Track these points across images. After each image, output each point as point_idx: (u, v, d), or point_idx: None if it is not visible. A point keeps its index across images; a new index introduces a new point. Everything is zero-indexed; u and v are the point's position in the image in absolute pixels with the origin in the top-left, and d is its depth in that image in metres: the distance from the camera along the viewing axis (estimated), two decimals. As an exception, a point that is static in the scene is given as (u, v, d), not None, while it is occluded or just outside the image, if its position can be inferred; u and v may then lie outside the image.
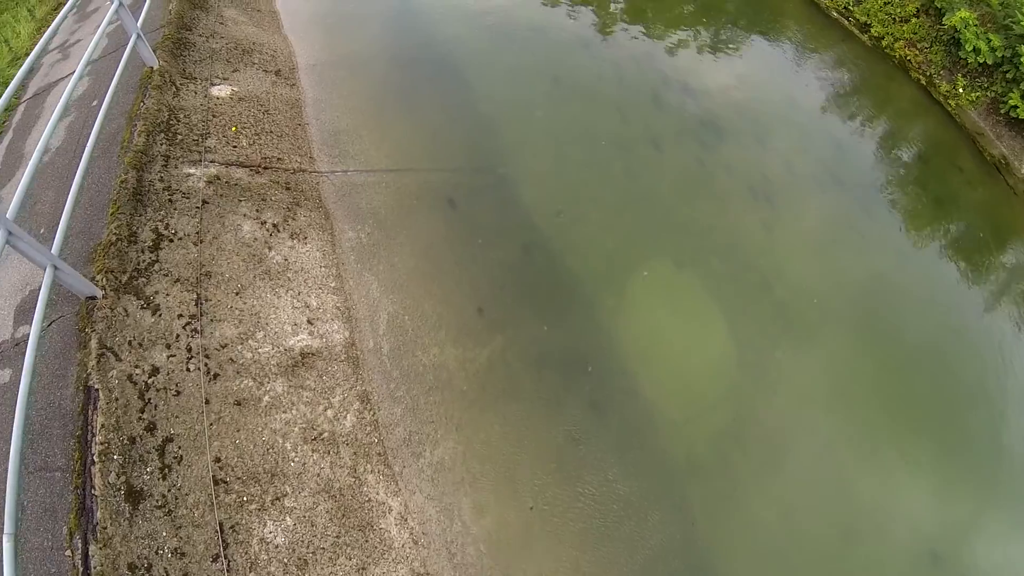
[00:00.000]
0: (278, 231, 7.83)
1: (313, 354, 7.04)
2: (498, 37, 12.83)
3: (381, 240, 8.27)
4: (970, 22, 13.09)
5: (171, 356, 6.32)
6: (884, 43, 14.30)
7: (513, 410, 7.38)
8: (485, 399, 7.36)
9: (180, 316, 6.62)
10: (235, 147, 8.67)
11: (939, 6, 13.88)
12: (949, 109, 13.40)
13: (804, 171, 11.61)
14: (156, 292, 6.66)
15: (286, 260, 7.58)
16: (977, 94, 13.36)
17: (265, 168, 8.52)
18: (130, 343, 6.18)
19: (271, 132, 9.22)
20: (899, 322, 9.68)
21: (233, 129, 8.43)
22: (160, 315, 6.53)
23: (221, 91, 9.67)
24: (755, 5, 15.59)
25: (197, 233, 7.36)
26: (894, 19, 14.33)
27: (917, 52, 13.99)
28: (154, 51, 9.30)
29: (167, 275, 6.86)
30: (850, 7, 14.81)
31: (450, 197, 9.23)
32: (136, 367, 6.04)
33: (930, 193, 12.10)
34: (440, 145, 10.02)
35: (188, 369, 6.34)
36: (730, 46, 13.94)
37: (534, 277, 8.72)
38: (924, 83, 13.73)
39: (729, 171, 11.08)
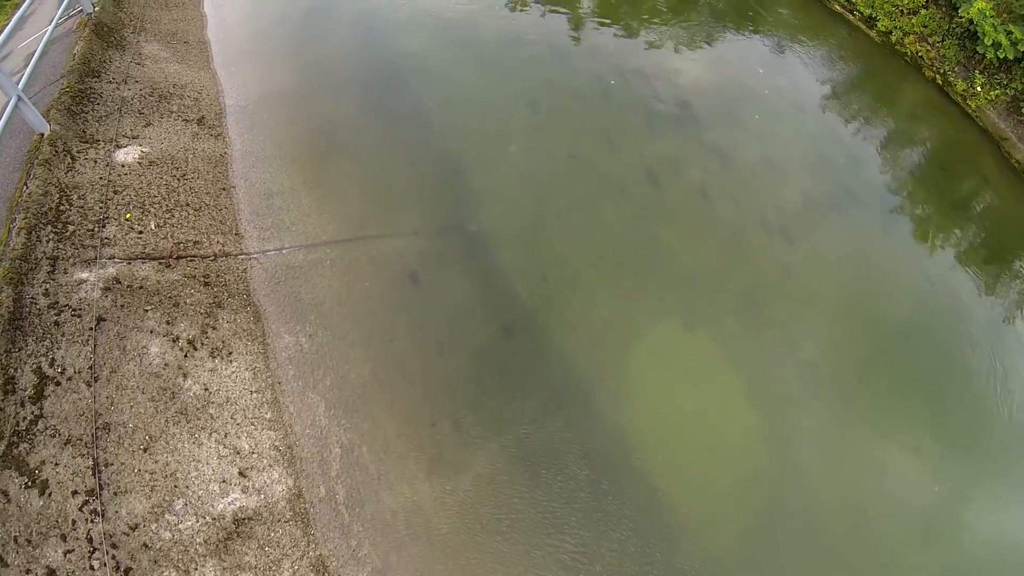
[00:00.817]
0: (195, 349, 6.17)
1: (250, 518, 5.48)
2: (464, 55, 11.05)
3: (327, 343, 6.65)
4: (987, 13, 11.60)
5: (69, 552, 4.77)
6: (893, 38, 12.78)
7: (511, 552, 5.91)
8: (474, 544, 5.87)
9: (75, 493, 5.05)
10: (140, 233, 6.93)
11: (951, -4, 12.36)
12: (968, 110, 11.99)
13: (820, 194, 10.14)
14: (42, 463, 5.06)
15: (207, 390, 5.95)
16: (996, 92, 11.95)
17: (178, 258, 6.81)
18: (16, 540, 4.62)
19: (187, 205, 7.47)
20: (945, 371, 8.34)
21: (127, 216, 6.68)
22: (50, 495, 4.95)
23: (128, 155, 7.87)
24: (747, 3, 13.91)
25: (91, 368, 5.70)
26: (901, 11, 12.80)
27: (929, 47, 12.50)
28: (47, 112, 7.50)
29: (55, 435, 5.24)
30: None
31: (412, 271, 7.61)
32: (27, 573, 4.51)
33: (956, 209, 10.72)
34: (397, 200, 8.35)
35: (92, 567, 4.80)
36: (725, 50, 12.31)
37: (518, 368, 7.19)
38: (940, 82, 12.26)
39: (738, 203, 9.56)
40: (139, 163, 7.90)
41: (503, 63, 10.98)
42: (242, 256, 7.17)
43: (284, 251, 7.35)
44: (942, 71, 12.39)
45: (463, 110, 9.90)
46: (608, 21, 12.63)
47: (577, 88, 10.75)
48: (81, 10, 9.73)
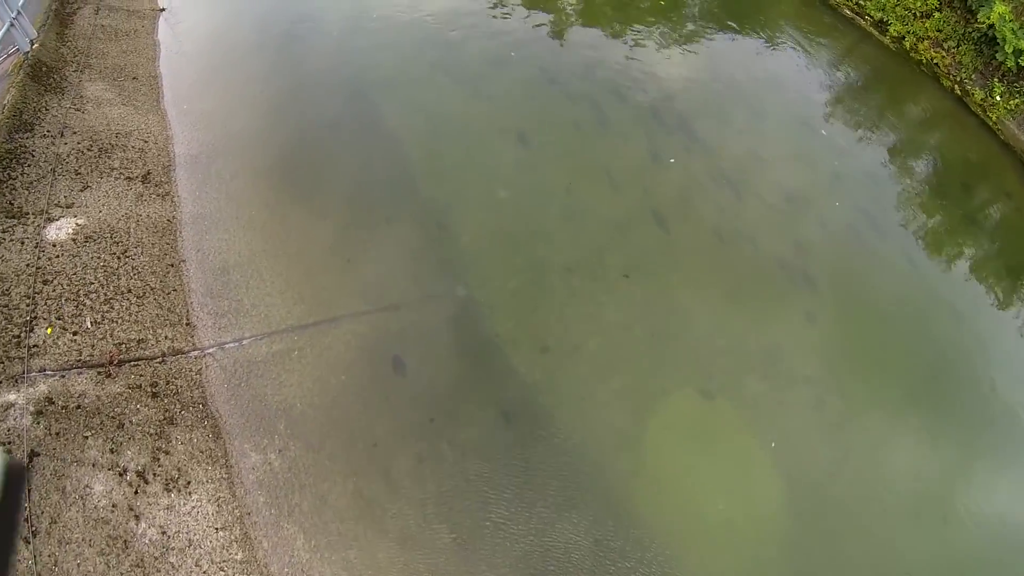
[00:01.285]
0: (146, 483, 5.17)
1: None
2: (442, 81, 9.94)
3: (301, 458, 5.69)
4: (1007, 18, 10.69)
5: None
6: (907, 44, 11.85)
7: None
8: None
9: None
10: (75, 334, 5.87)
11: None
12: (989, 122, 11.14)
13: (838, 223, 9.28)
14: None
15: (164, 534, 4.97)
16: (1016, 101, 11.11)
17: (120, 363, 5.77)
18: None
19: (128, 292, 6.39)
20: (984, 421, 7.58)
21: (48, 331, 5.60)
22: None
23: (61, 231, 6.76)
24: (752, 9, 12.83)
25: (27, 520, 4.69)
26: (914, 14, 11.84)
27: (944, 53, 11.59)
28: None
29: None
30: (861, 2, 12.23)
31: (395, 354, 6.63)
32: None
33: (981, 231, 9.90)
34: (372, 266, 7.34)
35: None
36: (728, 61, 11.30)
37: (522, 460, 6.28)
38: (957, 91, 11.38)
39: (754, 243, 8.67)
40: (73, 240, 6.79)
41: (486, 89, 9.90)
42: (195, 353, 6.14)
43: (244, 343, 6.32)
44: (959, 79, 11.50)
45: (444, 149, 8.84)
46: (600, 33, 11.55)
47: (570, 115, 9.70)
48: (17, 49, 8.49)
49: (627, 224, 8.38)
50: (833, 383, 7.63)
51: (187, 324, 6.36)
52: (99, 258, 6.67)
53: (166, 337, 6.18)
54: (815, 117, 10.77)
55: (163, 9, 10.88)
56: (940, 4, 11.75)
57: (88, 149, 8.01)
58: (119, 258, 6.72)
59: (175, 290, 6.62)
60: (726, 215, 8.84)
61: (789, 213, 9.22)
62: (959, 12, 11.69)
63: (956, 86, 11.42)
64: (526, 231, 8.02)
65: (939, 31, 11.70)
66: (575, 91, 9.91)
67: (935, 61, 11.62)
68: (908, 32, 11.83)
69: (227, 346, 6.26)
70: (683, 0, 12.71)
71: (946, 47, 11.64)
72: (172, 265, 6.88)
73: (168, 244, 7.10)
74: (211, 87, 9.55)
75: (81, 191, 7.40)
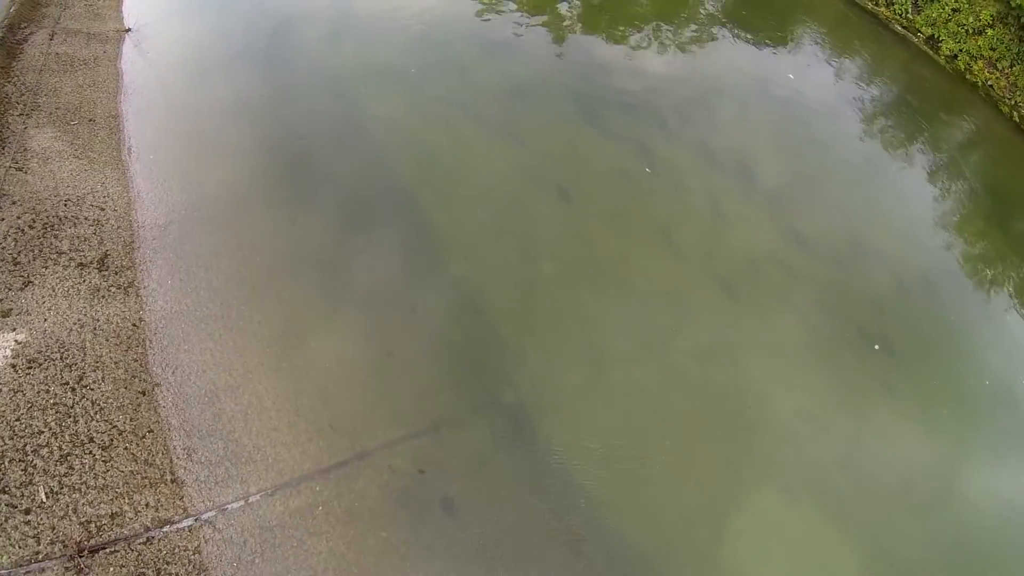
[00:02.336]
0: None
1: None
2: (458, 119, 8.39)
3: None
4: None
5: None
6: (960, 63, 10.67)
7: None
8: None
9: None
10: (27, 512, 4.35)
11: (1020, 15, 10.28)
12: (1051, 154, 10.13)
13: (913, 275, 8.26)
14: None
15: None
16: (1077, 128, 10.09)
17: (92, 551, 4.29)
18: None
19: (90, 441, 4.86)
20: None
21: None
22: None
23: (-9, 352, 5.14)
24: (798, 26, 11.39)
25: None
26: (966, 31, 10.66)
27: (999, 74, 10.48)
28: None
29: None
30: (909, 15, 10.99)
31: (443, 493, 5.29)
32: None
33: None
34: (403, 377, 5.92)
35: None
36: (779, 84, 9.93)
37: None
38: (1015, 117, 10.31)
39: (830, 308, 7.58)
40: (13, 367, 5.18)
41: (512, 128, 8.38)
42: (188, 523, 4.68)
43: (251, 501, 4.88)
44: (1013, 102, 10.43)
45: (472, 211, 7.38)
46: (635, 59, 10.03)
47: (614, 160, 8.26)
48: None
49: (693, 298, 7.12)
50: (926, 468, 6.61)
51: (172, 481, 4.88)
52: (48, 392, 5.09)
53: (147, 504, 4.70)
54: (875, 153, 9.60)
55: (128, 30, 8.98)
56: (993, 20, 10.59)
57: (30, 226, 6.30)
58: (74, 390, 5.15)
59: (151, 431, 5.10)
60: (797, 277, 7.65)
61: (860, 266, 8.11)
62: (1013, 29, 10.55)
63: (1014, 112, 10.34)
64: (579, 315, 6.69)
65: (992, 49, 10.56)
66: (616, 129, 8.49)
67: (989, 83, 10.49)
68: (961, 50, 10.64)
69: (229, 508, 4.81)
70: (722, 17, 11.26)
71: (1000, 67, 10.52)
72: (143, 393, 5.33)
73: (136, 361, 5.53)
74: (184, 129, 7.82)
75: (21, 290, 5.74)
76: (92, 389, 5.21)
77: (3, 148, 7.08)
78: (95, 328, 5.64)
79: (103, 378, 5.32)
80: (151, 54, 8.70)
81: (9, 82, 7.77)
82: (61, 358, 5.36)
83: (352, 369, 5.79)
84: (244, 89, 8.39)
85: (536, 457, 5.78)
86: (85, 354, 5.44)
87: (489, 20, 10.37)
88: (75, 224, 6.50)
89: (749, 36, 10.90)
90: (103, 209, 6.78)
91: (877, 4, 11.37)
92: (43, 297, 5.75)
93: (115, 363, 5.47)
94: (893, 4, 11.26)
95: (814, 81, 10.30)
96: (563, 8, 10.81)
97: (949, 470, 6.69)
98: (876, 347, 7.47)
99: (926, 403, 7.18)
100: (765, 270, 7.86)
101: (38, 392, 5.08)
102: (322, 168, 7.48)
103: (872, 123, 10.03)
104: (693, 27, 10.93)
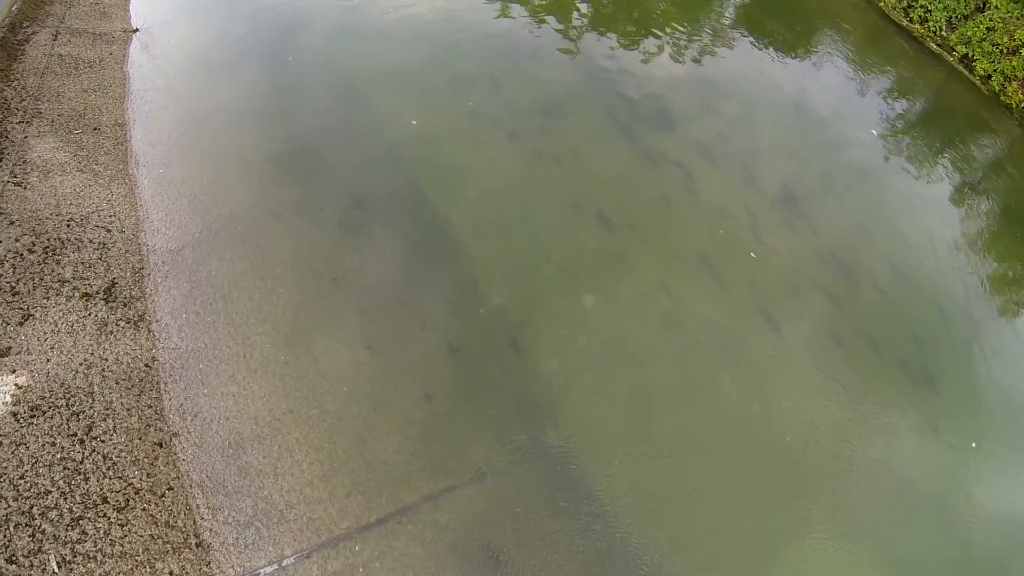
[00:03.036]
0: None
1: None
2: (491, 135, 7.90)
3: None
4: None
5: None
6: (994, 84, 10.37)
7: None
8: None
9: None
10: (20, 596, 3.88)
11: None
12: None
13: (956, 309, 7.95)
14: None
15: None
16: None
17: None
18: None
19: (104, 502, 4.38)
20: None
21: None
22: None
23: (-12, 399, 4.63)
24: (828, 41, 10.97)
25: None
26: (1000, 50, 10.35)
27: (1036, 97, 10.20)
28: None
29: None
30: (943, 32, 10.64)
31: (489, 544, 4.91)
32: None
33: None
34: (443, 423, 5.49)
35: None
36: (816, 103, 9.53)
37: None
38: (1055, 145, 10.05)
39: (870, 340, 7.34)
40: (14, 415, 4.67)
41: (549, 147, 7.91)
42: (209, 599, 4.25)
43: (286, 565, 4.44)
44: (1052, 126, 10.17)
45: (508, 237, 6.93)
46: (675, 73, 9.59)
47: (656, 185, 7.84)
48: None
49: (737, 332, 6.76)
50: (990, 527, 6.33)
51: (198, 545, 4.42)
52: (54, 445, 4.60)
53: (171, 573, 4.23)
54: (911, 179, 9.27)
55: (136, 30, 8.36)
56: (1033, 38, 10.29)
57: (29, 250, 5.75)
58: (83, 442, 4.66)
59: (170, 489, 4.63)
60: (842, 309, 7.33)
61: (905, 300, 7.80)
62: (1054, 48, 10.27)
63: (1055, 138, 10.09)
64: (622, 350, 6.30)
65: (1032, 69, 10.27)
66: (657, 149, 8.06)
67: (1023, 105, 10.22)
68: (995, 71, 10.34)
69: (261, 574, 4.37)
70: (766, 28, 10.82)
71: (1038, 88, 10.24)
72: (160, 444, 4.85)
73: (150, 407, 5.04)
74: (196, 140, 7.27)
75: (20, 325, 5.21)
76: (103, 441, 4.73)
77: (1, 160, 6.50)
78: (103, 370, 5.14)
79: (114, 428, 4.83)
80: (159, 56, 8.10)
81: (9, 86, 7.17)
82: (67, 405, 4.86)
83: (389, 415, 5.34)
84: (261, 97, 7.84)
85: (584, 505, 5.42)
86: (93, 400, 4.94)
87: (515, 26, 9.87)
88: (79, 248, 5.95)
89: (783, 54, 10.49)
90: (109, 230, 6.24)
91: (911, 21, 11.00)
92: (45, 333, 5.23)
93: (127, 410, 4.98)
94: (927, 21, 10.91)
95: (850, 103, 9.94)
96: (597, 22, 10.33)
97: (993, 506, 6.45)
98: (919, 382, 7.21)
99: (970, 438, 6.94)
100: (808, 302, 7.54)
101: (43, 445, 4.59)
102: (346, 189, 6.97)
103: (907, 148, 9.71)
104: (721, 43, 10.50)
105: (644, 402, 6.16)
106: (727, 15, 10.94)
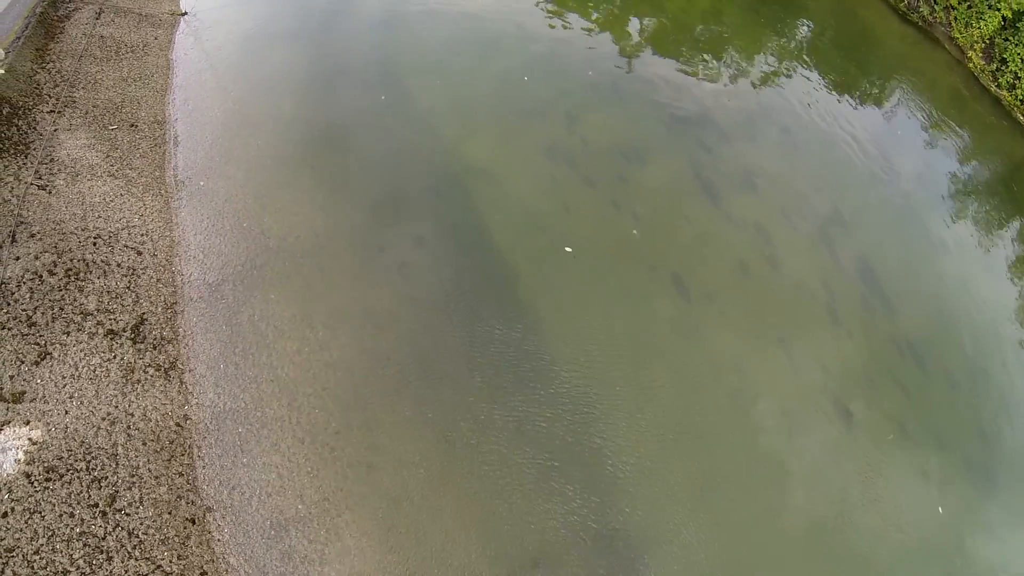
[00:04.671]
0: None
1: None
2: (566, 178, 7.41)
3: None
4: None
5: None
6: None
7: None
8: None
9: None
10: None
11: None
12: None
13: None
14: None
15: None
16: None
17: None
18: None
19: (124, 602, 3.90)
20: None
21: None
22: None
23: (5, 455, 4.12)
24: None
25: None
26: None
27: None
28: None
29: None
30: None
31: None
32: None
33: None
34: (502, 506, 5.03)
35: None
36: (903, 175, 9.03)
37: None
38: None
39: (936, 434, 7.08)
40: (27, 476, 4.17)
41: (627, 199, 7.41)
42: None
43: None
44: None
45: (583, 304, 6.44)
46: (760, 127, 9.09)
47: (736, 250, 7.38)
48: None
49: (805, 419, 6.37)
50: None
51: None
52: (72, 516, 4.08)
53: None
54: (996, 269, 8.89)
55: (184, 13, 7.80)
56: None
57: (50, 271, 5.21)
58: (105, 514, 4.15)
59: (204, 573, 4.14)
60: (911, 399, 6.99)
61: (975, 394, 7.46)
62: None
63: None
64: (691, 431, 5.89)
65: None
66: (738, 209, 7.59)
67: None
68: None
69: None
70: (855, 84, 10.38)
71: None
72: (192, 521, 4.35)
73: (181, 476, 4.54)
74: (245, 150, 6.73)
75: (36, 364, 4.68)
76: (128, 515, 4.22)
77: (26, 155, 5.92)
78: (129, 427, 4.62)
79: (141, 499, 4.32)
80: (208, 44, 7.55)
81: (43, 68, 6.58)
82: (87, 468, 4.35)
83: (450, 499, 4.87)
84: (321, 109, 7.30)
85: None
86: (117, 464, 4.43)
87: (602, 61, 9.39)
88: (105, 273, 5.41)
89: (872, 119, 10.01)
90: (140, 253, 5.70)
91: (999, 86, 10.63)
92: (64, 377, 4.70)
93: (155, 478, 4.47)
94: (1016, 88, 10.54)
95: (933, 174, 9.53)
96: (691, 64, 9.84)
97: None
98: (978, 482, 6.89)
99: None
100: (878, 387, 7.18)
101: (60, 516, 4.08)
102: (410, 227, 6.42)
103: (991, 227, 9.33)
104: (808, 100, 10.01)
105: (710, 489, 5.76)
106: (812, 68, 10.51)
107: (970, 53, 10.65)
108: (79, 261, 5.38)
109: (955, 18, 10.92)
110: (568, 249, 6.30)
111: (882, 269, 8.02)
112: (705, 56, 9.97)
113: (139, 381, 4.89)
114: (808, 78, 10.15)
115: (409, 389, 5.33)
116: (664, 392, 6.20)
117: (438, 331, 5.74)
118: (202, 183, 6.36)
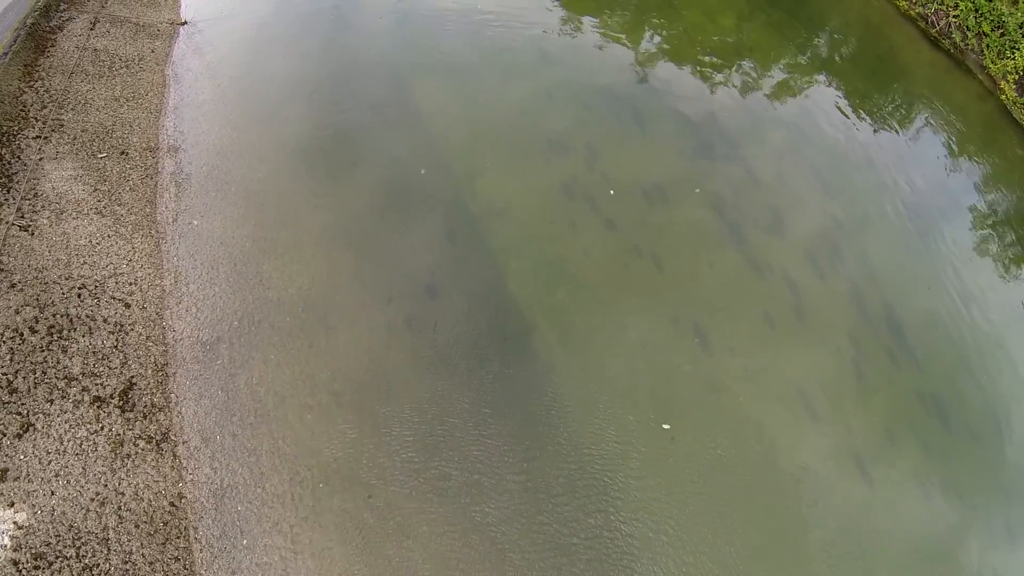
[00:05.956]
0: None
1: None
2: (583, 219, 7.24)
3: None
4: None
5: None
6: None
7: None
8: None
9: None
10: None
11: None
12: None
13: None
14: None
15: None
16: None
17: None
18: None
19: None
20: None
21: None
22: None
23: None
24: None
25: None
26: None
27: None
28: None
29: None
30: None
31: None
32: None
33: None
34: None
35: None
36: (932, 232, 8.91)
37: None
38: None
39: (960, 496, 7.02)
40: (14, 562, 4.00)
41: (648, 243, 7.24)
42: None
43: None
44: None
45: (595, 348, 6.32)
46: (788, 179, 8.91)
47: (760, 300, 7.27)
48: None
49: (828, 479, 6.36)
50: None
51: None
52: (55, 624, 3.95)
53: None
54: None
55: (184, 23, 7.46)
56: None
57: (31, 328, 4.99)
58: (90, 619, 4.03)
59: None
60: (932, 456, 7.02)
61: (999, 450, 7.50)
62: None
63: None
64: (708, 495, 5.82)
65: None
66: (764, 256, 7.47)
67: None
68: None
69: None
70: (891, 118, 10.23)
71: None
72: (185, 621, 4.24)
73: (177, 561, 4.38)
74: (245, 183, 6.46)
75: (18, 437, 4.49)
76: (116, 617, 4.10)
77: (9, 190, 5.64)
78: (120, 507, 4.46)
79: (131, 598, 4.19)
80: (207, 59, 7.22)
81: (31, 87, 6.25)
82: (77, 555, 4.19)
83: (461, 565, 4.78)
84: (328, 139, 6.99)
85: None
86: (109, 550, 4.27)
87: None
88: (90, 329, 5.19)
89: (905, 160, 9.86)
90: (128, 305, 5.47)
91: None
92: (48, 452, 4.51)
93: (150, 564, 4.33)
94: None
95: (963, 222, 9.45)
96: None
97: None
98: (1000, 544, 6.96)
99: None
100: (901, 444, 7.19)
101: (42, 624, 3.95)
102: (418, 276, 6.21)
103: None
104: (839, 133, 9.83)
105: (730, 552, 5.75)
106: (844, 99, 10.34)
107: (1003, 84, 10.54)
108: (63, 316, 5.15)
109: (987, 46, 10.77)
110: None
111: (911, 322, 7.95)
112: (730, 82, 9.75)
113: (129, 455, 4.72)
114: (841, 111, 9.98)
115: (419, 461, 5.22)
116: (683, 451, 6.15)
117: (450, 396, 5.57)
118: (195, 222, 6.12)
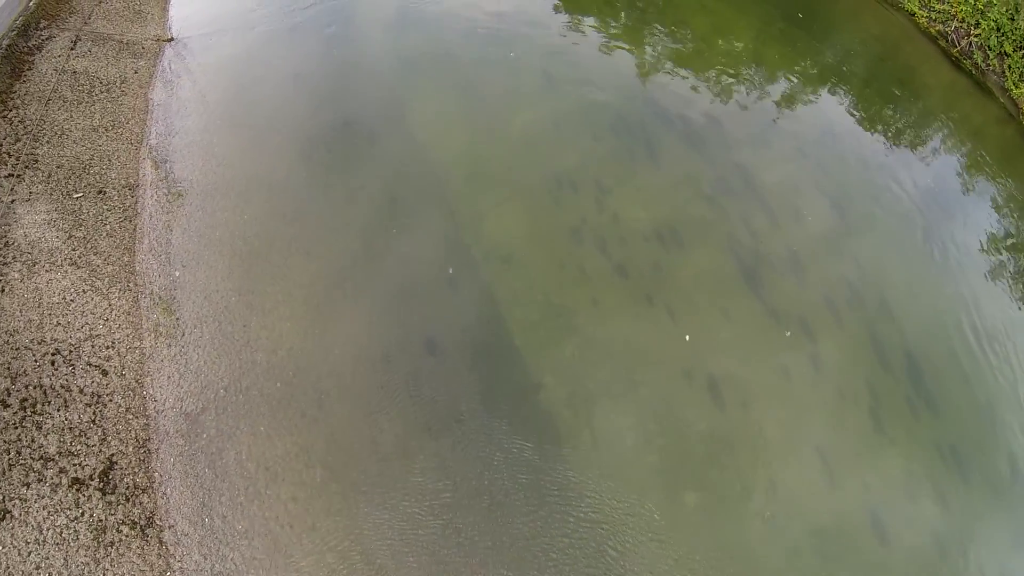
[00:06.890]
0: None
1: None
2: (595, 264, 7.04)
3: None
4: None
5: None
6: None
7: None
8: None
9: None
10: None
11: None
12: None
13: None
14: None
15: None
16: None
17: None
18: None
19: None
20: None
21: None
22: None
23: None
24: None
25: None
26: None
27: None
28: None
29: None
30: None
31: None
32: None
33: None
34: None
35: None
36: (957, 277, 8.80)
37: None
38: None
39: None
40: None
41: (658, 290, 7.07)
42: None
43: None
44: None
45: (603, 407, 6.19)
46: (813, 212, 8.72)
47: (779, 354, 7.15)
48: None
49: (841, 541, 6.32)
50: None
51: None
52: None
53: None
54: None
55: (171, 39, 7.07)
56: None
57: (3, 403, 4.73)
58: None
59: None
60: (951, 513, 7.00)
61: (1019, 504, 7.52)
62: None
63: None
64: (720, 556, 5.76)
65: None
66: (782, 304, 7.32)
67: None
68: None
69: None
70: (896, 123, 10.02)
71: None
72: None
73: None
74: (231, 227, 6.16)
75: (-15, 533, 4.27)
76: None
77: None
78: (99, 610, 4.28)
79: None
80: (193, 80, 6.85)
81: (5, 117, 5.89)
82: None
83: None
84: (321, 171, 6.68)
85: None
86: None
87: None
88: (66, 402, 4.93)
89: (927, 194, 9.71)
90: (105, 372, 5.21)
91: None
92: (27, 543, 4.29)
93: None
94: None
95: (988, 257, 9.35)
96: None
97: None
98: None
99: None
100: (919, 502, 7.17)
101: None
102: (420, 332, 5.96)
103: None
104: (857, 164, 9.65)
105: None
106: (863, 125, 10.15)
107: (1024, 107, 10.41)
108: (36, 388, 4.89)
109: (1008, 67, 10.59)
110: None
111: (931, 368, 7.85)
112: (743, 107, 9.53)
113: (112, 543, 4.51)
114: (859, 141, 9.79)
115: (426, 542, 5.07)
116: (692, 514, 6.08)
117: (455, 467, 5.41)
118: (177, 273, 5.84)
